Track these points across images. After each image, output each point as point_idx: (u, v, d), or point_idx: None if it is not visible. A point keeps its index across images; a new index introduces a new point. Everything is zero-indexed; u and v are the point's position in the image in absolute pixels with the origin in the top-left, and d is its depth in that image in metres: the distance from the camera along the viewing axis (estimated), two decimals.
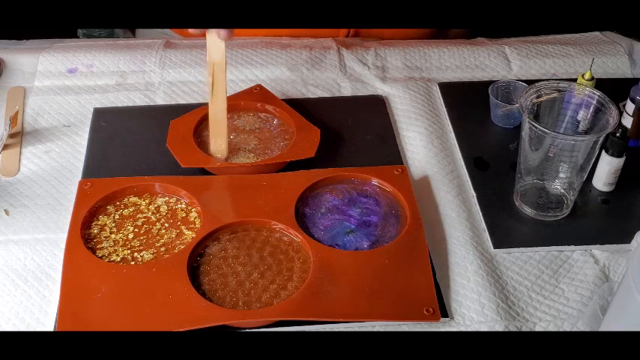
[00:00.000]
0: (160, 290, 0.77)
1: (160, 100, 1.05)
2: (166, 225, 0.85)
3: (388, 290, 0.78)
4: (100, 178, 0.89)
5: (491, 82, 1.03)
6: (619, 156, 0.89)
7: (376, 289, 0.78)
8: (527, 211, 0.89)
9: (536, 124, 0.81)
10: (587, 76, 0.98)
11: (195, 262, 0.81)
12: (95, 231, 0.84)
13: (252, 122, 0.99)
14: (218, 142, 0.92)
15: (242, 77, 1.09)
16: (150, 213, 0.86)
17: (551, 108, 0.88)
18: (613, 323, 0.68)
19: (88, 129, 0.99)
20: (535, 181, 0.89)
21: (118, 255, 0.81)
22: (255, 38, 1.17)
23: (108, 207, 0.87)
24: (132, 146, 0.97)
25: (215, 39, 0.86)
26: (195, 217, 0.86)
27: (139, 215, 0.86)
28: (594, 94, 0.85)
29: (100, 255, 0.81)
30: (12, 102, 1.03)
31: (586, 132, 0.86)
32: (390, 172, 0.91)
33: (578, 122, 0.87)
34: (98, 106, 1.03)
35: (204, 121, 0.97)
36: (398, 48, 1.15)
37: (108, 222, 0.85)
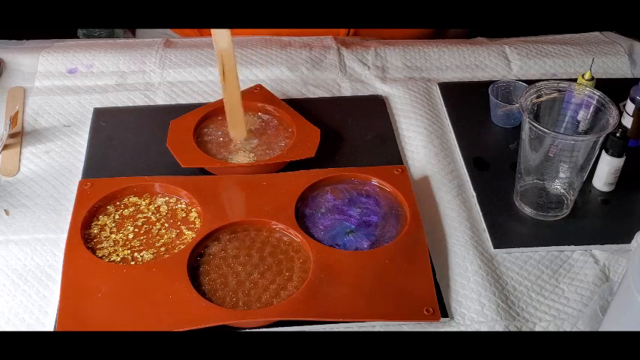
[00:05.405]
0: (160, 290, 0.77)
1: (160, 100, 1.05)
2: (166, 225, 0.85)
3: (388, 290, 0.78)
4: (100, 178, 0.89)
5: (491, 82, 1.03)
6: (619, 156, 0.89)
7: (376, 289, 0.78)
8: (527, 211, 0.89)
9: (536, 124, 0.81)
10: (587, 76, 0.98)
11: (195, 262, 0.81)
12: (95, 231, 0.84)
13: (252, 122, 0.99)
14: (237, 129, 0.94)
15: (242, 77, 1.09)
16: (150, 213, 0.86)
17: (551, 108, 0.87)
18: (613, 323, 0.68)
19: (88, 129, 0.99)
20: (535, 181, 0.89)
21: (118, 255, 0.81)
22: (255, 37, 1.17)
23: (108, 207, 0.87)
24: (132, 146, 0.97)
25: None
26: (195, 217, 0.86)
27: (139, 215, 0.86)
28: (594, 94, 0.85)
29: (100, 255, 0.81)
30: (12, 102, 1.03)
31: (586, 132, 0.86)
32: (390, 172, 0.91)
33: (578, 122, 0.87)
34: (98, 106, 1.03)
35: (204, 121, 0.97)
36: (398, 48, 1.15)
37: (108, 222, 0.85)
